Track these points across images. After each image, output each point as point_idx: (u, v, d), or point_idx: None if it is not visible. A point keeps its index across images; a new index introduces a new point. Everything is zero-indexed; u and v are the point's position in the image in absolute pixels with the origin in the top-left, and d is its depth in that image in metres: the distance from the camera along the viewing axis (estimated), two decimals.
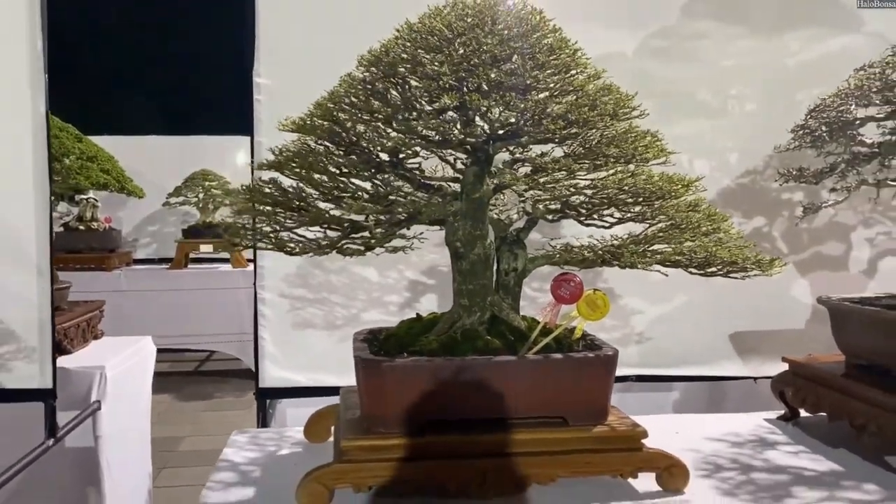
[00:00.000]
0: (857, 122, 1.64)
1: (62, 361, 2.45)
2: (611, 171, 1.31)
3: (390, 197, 1.33)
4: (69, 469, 2.41)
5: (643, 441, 1.40)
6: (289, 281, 2.18)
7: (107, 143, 5.80)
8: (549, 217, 1.57)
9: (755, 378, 2.34)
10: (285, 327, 2.18)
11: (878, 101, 1.57)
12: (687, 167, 2.36)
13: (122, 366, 2.59)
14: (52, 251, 2.04)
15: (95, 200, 5.80)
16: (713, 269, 1.35)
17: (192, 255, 5.96)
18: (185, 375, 6.22)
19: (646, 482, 1.41)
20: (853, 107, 1.58)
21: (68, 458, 2.40)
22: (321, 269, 2.19)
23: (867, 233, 2.40)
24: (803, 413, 1.82)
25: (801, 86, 2.27)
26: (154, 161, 6.38)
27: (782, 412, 1.86)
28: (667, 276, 1.39)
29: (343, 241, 1.34)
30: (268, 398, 2.20)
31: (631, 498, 1.38)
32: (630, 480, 1.42)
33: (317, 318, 2.20)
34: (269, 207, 1.30)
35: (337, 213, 1.34)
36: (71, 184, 2.61)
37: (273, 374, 2.17)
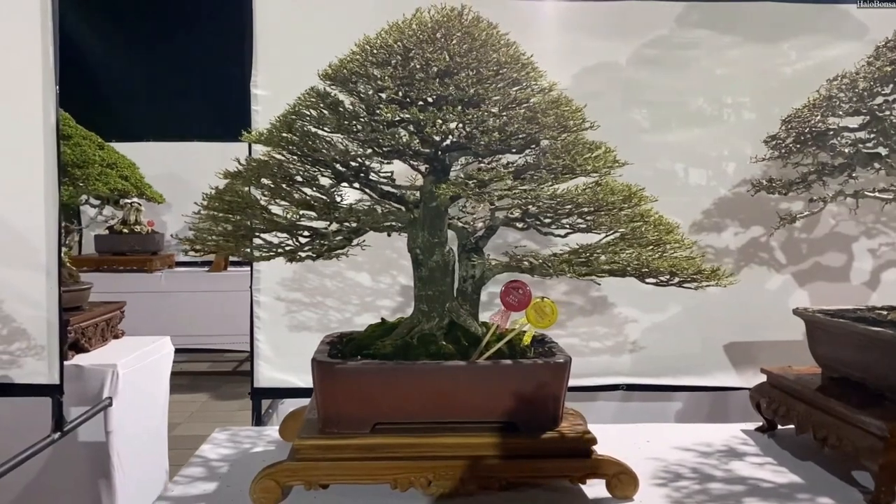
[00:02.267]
0: (831, 132, 1.62)
1: (78, 359, 2.58)
2: (547, 182, 1.33)
3: (342, 204, 1.38)
4: (82, 462, 2.53)
5: (593, 448, 1.42)
6: (285, 284, 2.26)
7: (150, 149, 6.06)
8: (519, 225, 1.61)
9: (749, 389, 2.32)
10: (281, 329, 2.25)
11: (840, 113, 1.55)
12: (682, 176, 2.36)
13: (136, 364, 2.70)
14: (59, 254, 2.15)
15: (139, 204, 6.03)
16: (656, 279, 1.36)
17: (231, 259, 6.13)
18: (223, 375, 6.38)
19: (598, 489, 1.43)
20: (818, 117, 1.57)
21: (81, 451, 2.52)
22: (316, 274, 2.26)
23: (870, 243, 2.36)
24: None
25: (799, 94, 2.23)
26: (197, 166, 6.57)
27: (761, 424, 1.85)
28: (599, 284, 1.41)
29: (298, 249, 1.39)
30: (262, 398, 2.27)
31: None
32: (582, 486, 1.44)
33: (311, 321, 2.27)
34: (225, 214, 1.36)
35: (295, 220, 1.40)
36: (90, 190, 2.74)
37: (267, 375, 2.25)
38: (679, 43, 2.27)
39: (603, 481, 1.42)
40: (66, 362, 2.38)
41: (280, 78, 2.17)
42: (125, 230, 5.97)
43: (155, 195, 3.21)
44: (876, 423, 1.39)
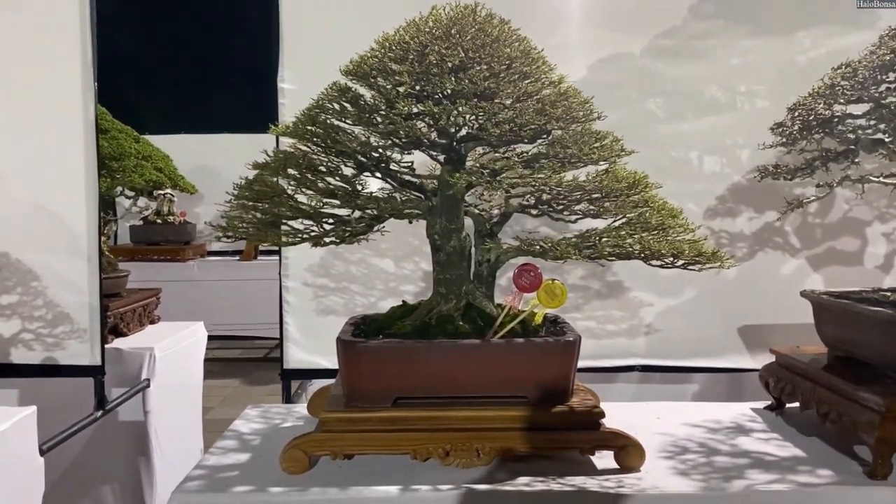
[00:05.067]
0: (835, 119, 1.68)
1: (118, 343, 2.71)
2: (551, 171, 1.40)
3: (363, 192, 1.47)
4: (123, 441, 2.67)
5: (602, 421, 1.50)
6: (312, 271, 2.36)
7: (181, 142, 6.20)
8: (533, 212, 1.69)
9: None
10: (308, 314, 2.36)
11: (842, 101, 1.61)
12: (697, 164, 2.42)
13: (172, 348, 2.83)
14: (99, 242, 2.27)
15: (172, 196, 6.18)
16: (661, 261, 1.43)
17: (261, 248, 6.29)
18: (254, 361, 6.54)
19: (607, 460, 1.51)
20: (821, 105, 1.62)
21: (122, 430, 2.66)
22: (341, 260, 2.36)
23: (884, 228, 2.39)
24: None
25: (813, 82, 2.29)
26: (227, 157, 6.70)
27: (770, 402, 1.91)
28: (603, 266, 1.49)
29: (324, 235, 1.49)
30: (291, 378, 2.39)
31: (588, 474, 1.48)
32: (591, 458, 1.52)
33: (338, 306, 2.37)
34: (255, 202, 1.46)
35: (319, 208, 1.49)
36: (126, 182, 2.87)
37: (296, 357, 2.36)
38: (693, 33, 2.32)
39: (611, 453, 1.50)
40: (106, 345, 2.51)
41: (305, 73, 2.27)
42: (158, 220, 6.14)
43: (188, 186, 3.34)
44: (874, 399, 1.45)
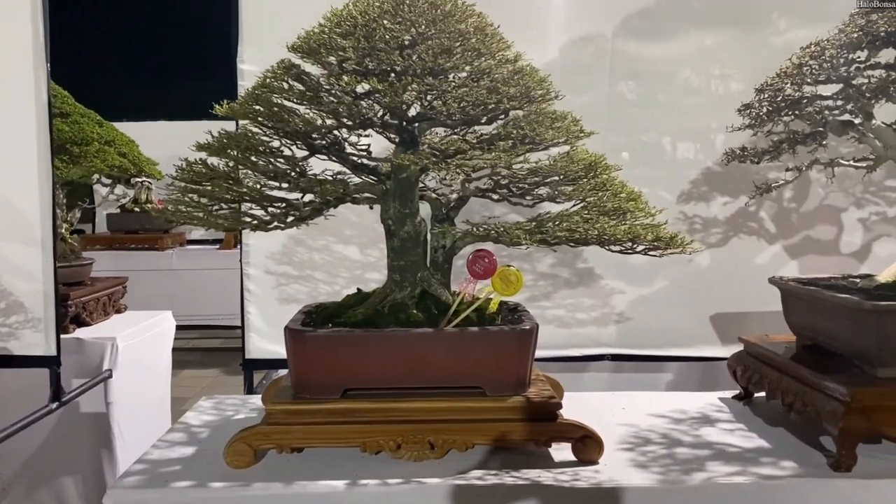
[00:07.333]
0: (805, 100, 1.62)
1: (79, 333, 2.64)
2: (506, 152, 1.34)
3: (307, 176, 1.41)
4: (84, 432, 2.60)
5: (559, 412, 1.45)
6: (274, 258, 2.30)
7: (160, 128, 6.10)
8: (494, 197, 1.63)
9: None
10: (271, 302, 2.30)
11: (810, 81, 1.55)
12: (669, 149, 2.36)
13: (136, 338, 2.76)
14: (54, 228, 2.19)
15: (150, 183, 6.08)
16: (620, 246, 1.38)
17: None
18: (234, 351, 6.46)
19: (565, 453, 1.46)
20: (789, 85, 1.56)
21: (83, 422, 2.59)
22: (304, 248, 2.30)
23: (860, 214, 2.35)
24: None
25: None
26: None
27: (738, 391, 1.87)
28: (555, 251, 1.43)
29: (273, 219, 1.42)
30: (253, 369, 2.32)
31: (544, 466, 1.43)
32: (549, 450, 1.47)
33: (301, 294, 2.31)
34: (200, 186, 1.40)
35: (263, 190, 1.43)
36: (88, 167, 2.79)
37: (258, 346, 2.30)
38: (666, 14, 2.26)
39: (570, 445, 1.46)
40: (66, 335, 2.44)
41: (265, 52, 2.18)
42: (136, 209, 6.05)
43: (154, 172, 3.25)
44: (839, 389, 1.40)
